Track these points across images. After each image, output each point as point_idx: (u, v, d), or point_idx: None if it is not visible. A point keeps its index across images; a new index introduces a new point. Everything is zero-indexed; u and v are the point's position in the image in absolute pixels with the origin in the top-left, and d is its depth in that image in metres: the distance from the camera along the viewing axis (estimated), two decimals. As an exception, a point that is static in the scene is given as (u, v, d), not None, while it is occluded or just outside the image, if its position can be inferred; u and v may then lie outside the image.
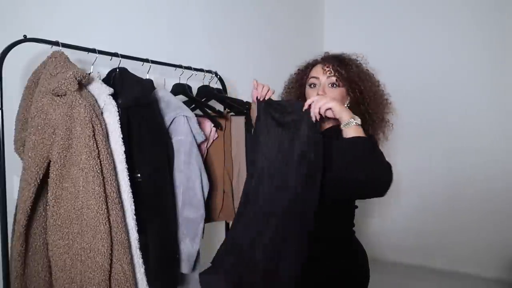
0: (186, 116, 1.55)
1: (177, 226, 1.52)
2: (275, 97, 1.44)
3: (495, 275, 2.89)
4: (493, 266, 2.91)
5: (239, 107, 1.85)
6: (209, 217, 1.69)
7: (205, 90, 1.88)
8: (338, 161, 1.19)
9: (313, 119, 1.23)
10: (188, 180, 1.53)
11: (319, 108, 1.21)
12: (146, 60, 1.64)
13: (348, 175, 1.14)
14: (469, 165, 2.99)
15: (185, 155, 1.53)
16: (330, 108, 1.21)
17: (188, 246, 1.53)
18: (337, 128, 1.26)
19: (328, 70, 1.34)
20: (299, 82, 1.46)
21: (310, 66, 1.44)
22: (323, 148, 1.22)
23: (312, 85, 1.38)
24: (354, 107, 1.35)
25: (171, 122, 1.53)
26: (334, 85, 1.34)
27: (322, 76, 1.35)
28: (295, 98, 1.47)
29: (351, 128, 1.18)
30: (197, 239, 1.55)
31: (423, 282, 2.92)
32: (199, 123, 1.62)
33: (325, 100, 1.21)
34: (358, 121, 1.20)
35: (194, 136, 1.57)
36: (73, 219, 1.19)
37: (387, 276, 2.99)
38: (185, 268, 1.54)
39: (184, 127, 1.53)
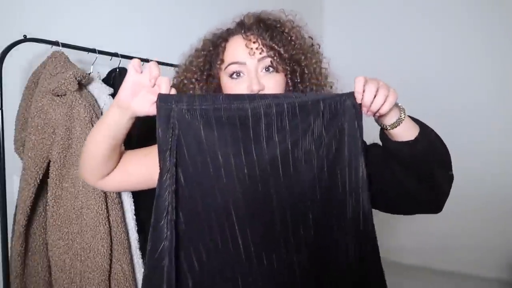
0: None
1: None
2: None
3: (495, 275, 2.89)
4: (493, 266, 2.91)
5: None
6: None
7: (205, 90, 1.88)
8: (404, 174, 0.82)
9: (364, 115, 0.78)
10: None
11: (383, 104, 0.76)
12: (146, 60, 1.63)
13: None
14: (469, 165, 2.98)
15: None
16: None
17: None
18: None
19: (258, 48, 0.85)
20: (207, 70, 0.92)
21: (222, 40, 0.91)
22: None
23: (235, 75, 0.87)
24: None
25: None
26: (270, 69, 0.87)
27: (248, 59, 0.85)
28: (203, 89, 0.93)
29: (405, 122, 0.81)
30: None
31: (423, 282, 2.92)
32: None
33: (390, 90, 0.78)
34: (402, 109, 0.82)
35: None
36: (73, 219, 1.19)
37: (387, 276, 2.99)
38: None
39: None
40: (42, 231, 1.25)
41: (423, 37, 3.17)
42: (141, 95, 0.79)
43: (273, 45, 0.86)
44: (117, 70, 1.49)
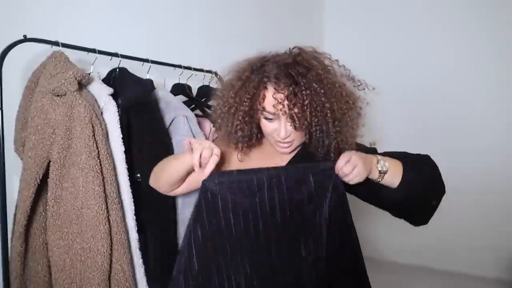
0: (185, 116, 1.55)
1: (177, 226, 1.52)
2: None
3: (495, 275, 2.89)
4: (493, 266, 2.91)
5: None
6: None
7: (205, 90, 1.89)
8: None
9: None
10: None
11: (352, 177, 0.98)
12: (146, 60, 1.64)
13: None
14: (469, 165, 2.99)
15: None
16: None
17: None
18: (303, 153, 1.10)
19: (284, 110, 0.98)
20: (248, 102, 1.03)
21: (262, 88, 1.02)
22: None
23: (269, 120, 1.03)
24: (315, 133, 1.03)
25: (171, 122, 1.53)
26: (295, 127, 1.01)
27: (280, 113, 1.00)
28: (245, 123, 1.05)
29: (389, 172, 1.01)
30: None
31: (423, 282, 2.92)
32: (199, 123, 1.62)
33: (359, 171, 0.97)
34: (381, 163, 1.01)
35: (194, 136, 1.57)
36: (73, 219, 1.19)
37: (387, 276, 2.99)
38: None
39: (184, 127, 1.53)
40: (42, 231, 1.25)
41: (424, 36, 3.17)
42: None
43: (298, 102, 0.98)
44: (117, 70, 1.49)
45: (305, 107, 0.98)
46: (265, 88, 1.01)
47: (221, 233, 1.00)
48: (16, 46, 1.28)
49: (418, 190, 1.05)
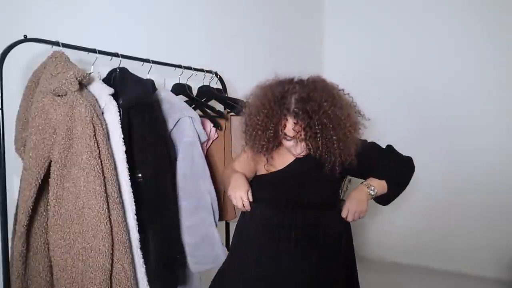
0: (191, 117, 1.55)
1: (178, 227, 1.52)
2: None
3: (495, 275, 2.89)
4: (493, 266, 2.91)
5: (240, 107, 1.85)
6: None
7: (205, 90, 1.89)
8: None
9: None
10: (208, 178, 1.60)
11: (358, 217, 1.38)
12: (146, 60, 1.64)
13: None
14: (469, 165, 2.99)
15: (199, 154, 1.56)
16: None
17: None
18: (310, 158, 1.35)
19: (300, 137, 1.26)
20: (273, 126, 1.31)
21: (282, 114, 1.28)
22: None
23: (288, 140, 1.31)
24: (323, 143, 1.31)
25: (176, 123, 1.53)
26: (309, 150, 1.30)
27: (296, 137, 1.28)
28: (268, 140, 1.32)
29: (378, 192, 1.40)
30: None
31: (423, 282, 2.92)
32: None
33: (360, 211, 1.37)
34: (371, 188, 1.39)
35: (199, 136, 1.58)
36: (74, 219, 1.19)
37: (387, 276, 2.99)
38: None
39: (189, 128, 1.54)
40: (44, 231, 1.25)
41: (424, 37, 3.17)
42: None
43: (310, 137, 1.25)
44: (117, 70, 1.49)
45: (317, 138, 1.25)
46: (286, 119, 1.28)
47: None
48: (17, 46, 1.28)
49: (396, 191, 1.44)
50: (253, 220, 1.40)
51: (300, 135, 1.26)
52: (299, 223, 1.35)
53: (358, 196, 1.38)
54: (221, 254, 1.60)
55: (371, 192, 1.38)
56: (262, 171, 1.40)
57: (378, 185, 1.39)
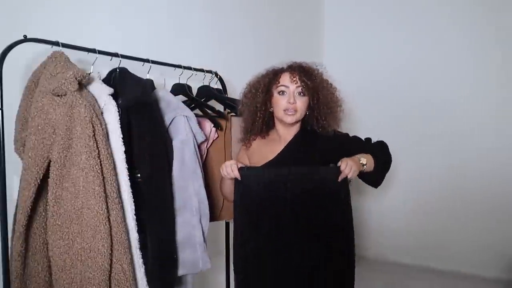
0: (186, 116, 1.55)
1: (175, 228, 1.52)
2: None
3: (495, 275, 2.89)
4: (493, 266, 2.91)
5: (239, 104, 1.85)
6: (210, 217, 1.69)
7: (205, 90, 1.89)
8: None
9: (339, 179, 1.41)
10: (199, 179, 1.57)
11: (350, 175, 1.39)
12: (146, 60, 1.64)
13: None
14: (469, 165, 2.99)
15: (190, 154, 1.54)
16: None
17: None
18: (303, 133, 1.53)
19: (295, 80, 1.45)
20: (266, 87, 1.50)
21: (278, 73, 1.50)
22: None
23: (281, 93, 1.47)
24: (310, 113, 1.51)
25: (171, 122, 1.53)
26: (301, 94, 1.46)
27: (290, 85, 1.45)
28: (261, 103, 1.50)
29: (367, 163, 1.44)
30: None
31: (423, 282, 2.92)
32: (199, 123, 1.62)
33: (355, 169, 1.39)
34: (363, 160, 1.44)
35: (194, 136, 1.57)
36: (73, 219, 1.19)
37: (387, 276, 2.99)
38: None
39: (184, 127, 1.53)
40: (43, 231, 1.25)
41: (424, 36, 3.17)
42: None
43: (304, 79, 1.46)
44: (117, 70, 1.49)
45: (310, 81, 1.45)
46: (281, 72, 1.49)
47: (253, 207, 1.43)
48: (16, 46, 1.28)
49: (381, 171, 1.53)
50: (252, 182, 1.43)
51: (295, 79, 1.44)
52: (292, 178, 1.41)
53: (352, 158, 1.43)
54: (200, 260, 1.56)
55: (362, 161, 1.43)
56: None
57: (368, 159, 1.45)
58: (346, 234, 1.44)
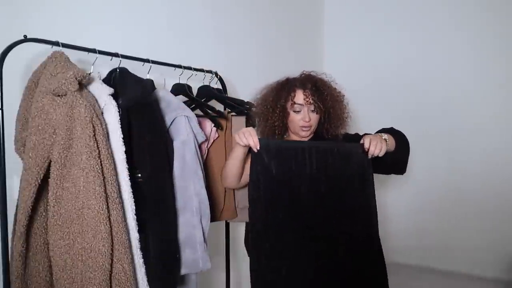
0: (186, 116, 1.55)
1: (177, 227, 1.52)
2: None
3: (495, 275, 2.89)
4: (493, 266, 2.91)
5: (240, 107, 1.85)
6: (210, 217, 1.69)
7: (205, 90, 1.89)
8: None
9: (369, 156, 1.39)
10: (200, 180, 1.57)
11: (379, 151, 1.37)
12: (146, 60, 1.64)
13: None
14: (470, 165, 2.99)
15: (191, 154, 1.54)
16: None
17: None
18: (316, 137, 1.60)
19: (308, 101, 1.52)
20: (281, 103, 1.55)
21: (291, 91, 1.55)
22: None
23: (296, 112, 1.54)
24: (321, 123, 1.59)
25: (172, 122, 1.53)
26: (314, 111, 1.54)
27: (305, 104, 1.52)
28: (278, 122, 1.55)
29: (389, 140, 1.44)
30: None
31: (423, 282, 2.92)
32: (199, 123, 1.62)
33: (381, 145, 1.37)
34: (384, 135, 1.44)
35: (195, 136, 1.57)
36: (74, 219, 1.19)
37: (389, 276, 2.99)
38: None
39: (185, 127, 1.53)
40: (43, 231, 1.25)
41: (424, 36, 3.17)
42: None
43: (317, 100, 1.52)
44: (117, 70, 1.49)
45: (322, 100, 1.52)
46: (294, 90, 1.54)
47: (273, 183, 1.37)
48: (16, 46, 1.28)
49: (404, 149, 1.53)
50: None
51: (309, 98, 1.50)
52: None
53: (374, 135, 1.43)
54: (200, 260, 1.55)
55: (384, 136, 1.42)
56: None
57: (389, 136, 1.45)
58: (369, 218, 1.41)
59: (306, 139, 1.59)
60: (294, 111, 1.54)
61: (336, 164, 1.37)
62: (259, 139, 1.36)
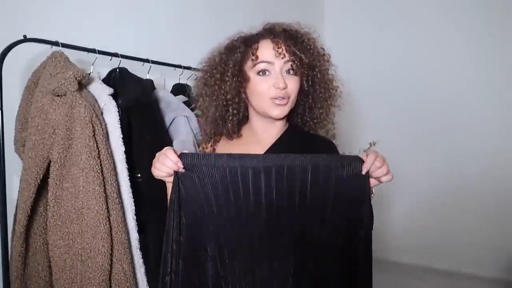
0: (186, 116, 1.55)
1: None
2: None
3: (495, 275, 2.89)
4: (493, 266, 2.91)
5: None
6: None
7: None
8: None
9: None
10: None
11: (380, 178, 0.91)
12: (146, 60, 1.63)
13: None
14: (470, 165, 2.99)
15: None
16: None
17: None
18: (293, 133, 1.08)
19: (282, 53, 0.98)
20: (237, 67, 1.01)
21: (252, 43, 1.02)
22: None
23: (262, 73, 1.00)
24: (301, 100, 1.07)
25: (171, 122, 1.53)
26: (291, 72, 1.01)
27: (276, 60, 0.98)
28: (232, 92, 1.02)
29: None
30: None
31: (423, 282, 2.92)
32: (199, 123, 1.62)
33: (387, 170, 0.91)
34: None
35: (195, 136, 1.57)
36: (73, 219, 1.19)
37: (387, 276, 2.98)
38: None
39: (184, 127, 1.53)
40: (43, 231, 1.25)
41: (424, 35, 3.17)
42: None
43: (296, 51, 0.99)
44: (117, 70, 1.49)
45: (304, 52, 1.00)
46: (257, 41, 1.01)
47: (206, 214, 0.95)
48: (16, 46, 1.28)
49: None
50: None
51: (282, 51, 0.96)
52: None
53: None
54: None
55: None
56: None
57: None
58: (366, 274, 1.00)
59: (275, 125, 1.06)
60: (259, 73, 1.00)
61: (317, 192, 0.87)
62: (182, 154, 0.89)
